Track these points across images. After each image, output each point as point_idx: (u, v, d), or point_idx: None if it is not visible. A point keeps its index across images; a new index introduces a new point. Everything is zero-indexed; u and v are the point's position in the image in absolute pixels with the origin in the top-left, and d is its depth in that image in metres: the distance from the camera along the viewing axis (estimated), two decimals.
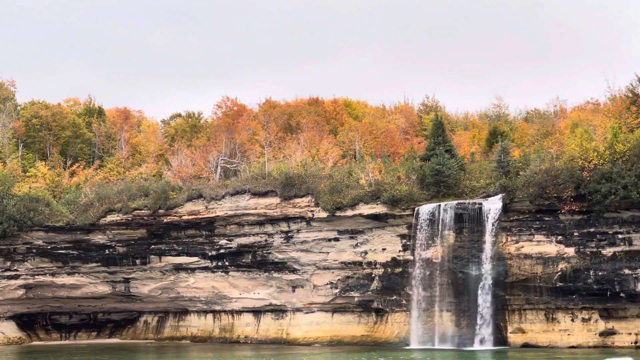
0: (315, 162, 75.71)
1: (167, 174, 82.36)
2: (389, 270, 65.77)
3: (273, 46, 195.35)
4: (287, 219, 69.08)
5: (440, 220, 61.91)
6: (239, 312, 74.41)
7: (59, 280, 75.64)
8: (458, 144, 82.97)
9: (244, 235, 71.03)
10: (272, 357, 56.49)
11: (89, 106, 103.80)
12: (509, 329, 60.86)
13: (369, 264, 66.61)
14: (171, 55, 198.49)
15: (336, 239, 67.63)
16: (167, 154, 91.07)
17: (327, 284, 68.81)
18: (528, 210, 60.06)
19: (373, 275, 66.64)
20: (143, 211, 72.95)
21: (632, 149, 57.51)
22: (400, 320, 65.69)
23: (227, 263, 72.63)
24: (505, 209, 60.40)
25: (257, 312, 73.56)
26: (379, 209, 64.80)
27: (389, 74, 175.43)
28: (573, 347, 58.16)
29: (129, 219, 73.33)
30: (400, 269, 65.13)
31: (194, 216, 72.03)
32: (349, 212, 65.81)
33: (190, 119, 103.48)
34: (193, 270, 73.97)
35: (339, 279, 68.27)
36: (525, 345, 59.86)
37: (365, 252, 66.65)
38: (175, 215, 72.50)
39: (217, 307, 75.18)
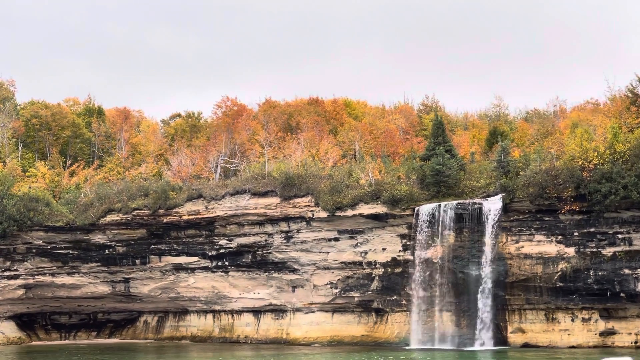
0: (315, 162, 75.72)
1: (167, 174, 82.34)
2: (389, 270, 65.76)
3: (273, 46, 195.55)
4: (287, 219, 69.07)
5: (440, 220, 61.90)
6: (239, 312, 74.40)
7: (59, 280, 75.62)
8: (458, 144, 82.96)
9: (244, 235, 71.02)
10: (272, 357, 56.48)
11: (88, 106, 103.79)
12: (509, 329, 60.86)
13: (369, 264, 66.60)
14: (171, 55, 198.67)
15: (336, 239, 67.63)
16: (166, 154, 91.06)
17: (327, 284, 68.80)
18: (528, 210, 60.06)
19: (373, 275, 66.64)
20: (143, 211, 72.93)
21: (632, 149, 57.52)
22: (400, 320, 65.69)
23: (227, 263, 72.62)
24: (506, 209, 60.39)
25: (257, 312, 73.55)
26: (379, 209, 64.79)
27: (389, 73, 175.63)
28: (573, 347, 58.16)
29: (129, 218, 73.31)
30: (400, 269, 65.12)
31: (193, 216, 72.02)
32: (349, 212, 65.81)
33: (190, 119, 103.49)
34: (193, 270, 73.96)
35: (339, 279, 68.27)
36: (525, 345, 59.86)
37: (365, 252, 66.65)
38: (175, 215, 72.48)
39: (217, 307, 75.16)
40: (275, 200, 69.55)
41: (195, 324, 76.99)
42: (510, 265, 59.98)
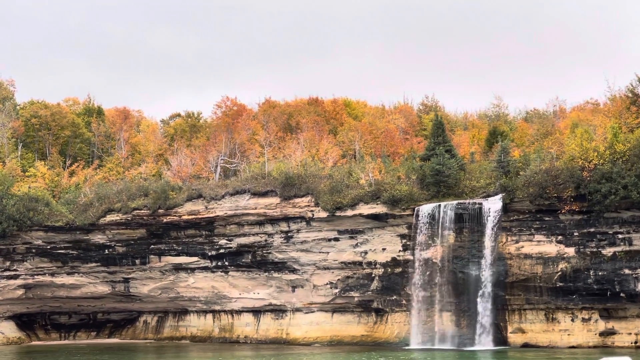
0: (315, 162, 75.70)
1: (166, 174, 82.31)
2: (389, 270, 65.74)
3: (273, 46, 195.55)
4: (287, 218, 69.05)
5: (440, 220, 61.87)
6: (239, 312, 74.37)
7: (59, 280, 75.59)
8: (458, 144, 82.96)
9: (244, 235, 70.99)
10: (271, 357, 56.45)
11: (88, 106, 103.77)
12: (509, 329, 60.85)
13: (369, 264, 66.58)
14: (171, 55, 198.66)
15: (336, 239, 67.60)
16: (166, 154, 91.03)
17: (327, 284, 68.78)
18: (528, 210, 60.05)
19: (373, 275, 66.62)
20: (143, 211, 72.90)
21: (632, 149, 57.53)
22: (400, 320, 65.67)
23: (226, 263, 72.59)
24: (505, 209, 60.38)
25: (256, 312, 73.53)
26: (379, 209, 64.77)
27: (389, 73, 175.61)
28: (573, 347, 58.15)
29: (129, 218, 73.28)
30: (400, 269, 65.11)
31: (193, 216, 71.98)
32: (349, 212, 65.79)
33: (189, 119, 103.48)
34: (193, 270, 73.92)
35: (338, 279, 68.24)
36: (525, 345, 59.84)
37: (365, 252, 66.63)
38: (174, 215, 72.45)
39: (217, 307, 75.13)
40: (275, 200, 69.53)
41: (195, 324, 76.95)
42: (510, 265, 59.96)
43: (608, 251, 57.53)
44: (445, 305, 62.58)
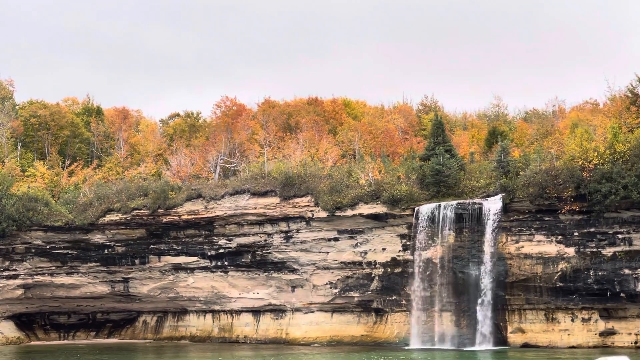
0: (314, 162, 75.69)
1: (166, 174, 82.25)
2: (389, 270, 65.71)
3: (272, 46, 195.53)
4: (286, 218, 69.01)
5: (440, 220, 61.83)
6: (238, 312, 74.32)
7: (58, 280, 75.51)
8: (457, 144, 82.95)
9: (244, 235, 70.95)
10: (271, 357, 56.41)
11: (87, 106, 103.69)
12: (509, 329, 60.83)
13: (369, 264, 66.54)
14: (170, 54, 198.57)
15: (336, 239, 67.56)
16: (165, 154, 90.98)
17: (327, 283, 68.74)
18: (528, 210, 60.03)
19: (373, 275, 66.58)
20: (142, 211, 72.83)
21: (632, 149, 57.53)
22: (400, 320, 65.64)
23: (226, 263, 72.53)
24: (505, 209, 60.36)
25: (256, 312, 73.48)
26: (379, 208, 64.74)
27: (388, 73, 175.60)
28: (573, 347, 58.14)
29: (128, 218, 73.21)
30: (400, 269, 65.07)
31: (193, 216, 71.93)
32: (349, 212, 65.75)
33: (188, 119, 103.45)
34: (192, 270, 73.87)
35: (338, 279, 68.20)
36: (525, 345, 59.83)
37: (365, 252, 66.59)
38: (174, 215, 72.39)
39: (216, 307, 75.07)
40: (274, 200, 69.49)
41: (195, 324, 76.89)
42: (510, 265, 59.94)
43: (608, 251, 57.53)
44: (445, 305, 62.58)
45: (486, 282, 59.84)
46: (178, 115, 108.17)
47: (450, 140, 73.17)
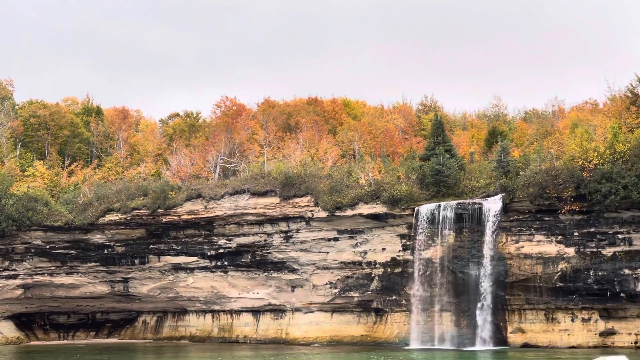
0: (314, 162, 75.67)
1: (165, 174, 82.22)
2: (389, 270, 65.69)
3: (272, 46, 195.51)
4: (286, 218, 68.98)
5: (440, 220, 61.82)
6: (238, 312, 74.29)
7: (58, 280, 75.47)
8: (457, 143, 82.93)
9: (243, 235, 70.92)
10: (271, 357, 56.38)
11: (87, 105, 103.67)
12: (509, 329, 60.81)
13: (369, 263, 66.53)
14: (169, 54, 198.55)
15: (336, 239, 67.54)
16: (165, 154, 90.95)
17: (327, 283, 68.72)
18: (528, 210, 60.01)
19: (373, 275, 66.56)
20: (142, 211, 72.79)
21: (632, 149, 57.53)
22: (400, 320, 65.62)
23: (226, 263, 72.50)
24: (505, 209, 60.35)
25: (256, 312, 73.45)
26: (379, 208, 64.72)
27: (388, 73, 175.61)
28: (573, 347, 58.12)
29: (128, 218, 73.17)
30: (400, 269, 65.06)
31: (193, 216, 71.89)
32: (349, 212, 65.73)
33: (188, 119, 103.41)
34: (192, 270, 73.83)
35: (338, 279, 68.18)
36: (525, 345, 59.82)
37: (365, 252, 66.57)
38: (174, 215, 72.35)
39: (216, 307, 75.04)
40: (274, 200, 69.46)
41: (194, 323, 76.86)
42: (510, 265, 59.93)
43: (608, 251, 57.52)
44: (445, 305, 62.57)
45: (486, 282, 59.81)
46: (178, 115, 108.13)
47: (450, 140, 73.16)
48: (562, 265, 58.56)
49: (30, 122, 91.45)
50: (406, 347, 62.66)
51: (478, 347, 59.84)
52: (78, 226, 73.42)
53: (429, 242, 62.56)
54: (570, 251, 58.55)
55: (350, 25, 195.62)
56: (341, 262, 67.58)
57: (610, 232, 57.50)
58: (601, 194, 56.29)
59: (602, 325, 58.19)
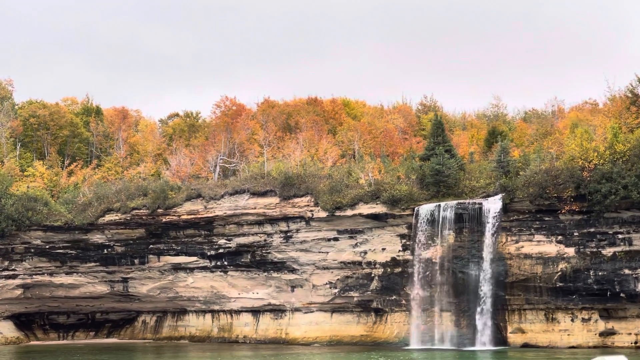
0: (314, 162, 75.64)
1: (165, 174, 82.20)
2: (389, 270, 65.67)
3: (271, 46, 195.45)
4: (286, 218, 68.96)
5: (440, 220, 61.80)
6: (238, 311, 74.26)
7: (57, 280, 75.44)
8: (457, 144, 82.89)
9: (243, 235, 70.89)
10: (271, 357, 56.36)
11: (86, 105, 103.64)
12: (509, 329, 60.80)
13: (369, 263, 66.50)
14: (169, 54, 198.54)
15: (335, 239, 67.52)
16: (165, 154, 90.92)
17: (327, 283, 68.69)
18: (528, 210, 59.99)
19: (372, 275, 66.54)
20: (142, 211, 72.76)
21: (632, 149, 57.54)
22: (400, 320, 65.60)
23: (226, 263, 72.47)
24: (505, 209, 60.33)
25: (256, 312, 73.43)
26: (379, 208, 64.70)
27: (387, 73, 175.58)
28: (573, 347, 58.11)
29: (128, 218, 73.13)
30: (399, 269, 65.04)
31: (192, 216, 71.86)
32: (349, 212, 65.71)
33: (188, 119, 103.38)
34: (192, 270, 73.80)
35: (338, 279, 68.16)
36: (525, 345, 59.80)
37: (365, 252, 66.55)
38: (174, 215, 72.32)
39: (216, 307, 75.02)
40: (274, 200, 69.43)
41: (194, 323, 76.83)
42: (510, 265, 59.91)
43: (608, 251, 57.51)
44: (445, 305, 62.54)
45: (486, 282, 59.78)
46: (177, 115, 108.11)
47: (449, 140, 73.15)
48: (562, 265, 58.55)
49: (29, 122, 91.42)
50: (406, 347, 62.63)
51: (478, 347, 59.81)
52: (78, 226, 73.39)
53: (429, 242, 62.54)
54: (570, 251, 58.54)
55: (350, 25, 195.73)
56: (341, 262, 67.56)
57: (610, 232, 57.49)
58: (601, 194, 56.28)
59: (602, 325, 58.18)
